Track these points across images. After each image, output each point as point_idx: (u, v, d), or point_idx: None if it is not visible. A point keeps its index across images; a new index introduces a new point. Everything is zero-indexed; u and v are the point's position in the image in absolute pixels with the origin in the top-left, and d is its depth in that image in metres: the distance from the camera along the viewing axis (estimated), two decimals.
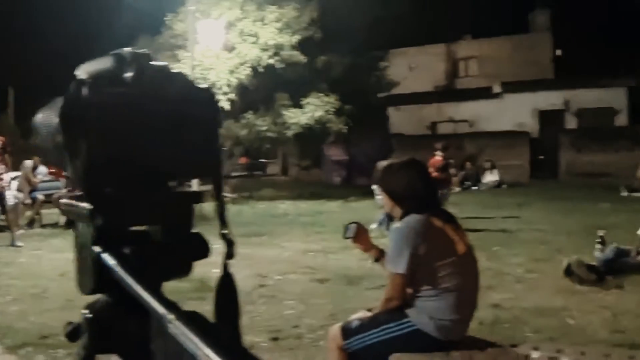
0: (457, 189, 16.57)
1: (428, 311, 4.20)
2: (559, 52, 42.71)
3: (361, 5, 26.02)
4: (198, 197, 1.71)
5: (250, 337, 6.51)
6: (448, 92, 41.83)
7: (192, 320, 1.21)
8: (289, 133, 24.18)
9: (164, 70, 1.60)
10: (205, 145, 1.65)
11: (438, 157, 15.66)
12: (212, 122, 1.68)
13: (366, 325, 4.32)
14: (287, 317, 7.50)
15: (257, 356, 1.29)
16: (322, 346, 5.33)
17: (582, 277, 9.02)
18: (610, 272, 9.32)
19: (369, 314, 4.46)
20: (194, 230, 1.68)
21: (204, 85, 1.69)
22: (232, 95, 22.39)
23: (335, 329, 4.45)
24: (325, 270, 10.28)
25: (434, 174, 15.00)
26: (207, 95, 1.68)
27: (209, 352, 1.11)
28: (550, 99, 34.68)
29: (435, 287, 4.17)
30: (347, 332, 4.35)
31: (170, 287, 1.57)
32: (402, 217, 4.32)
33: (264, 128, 23.69)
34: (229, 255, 1.65)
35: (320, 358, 5.77)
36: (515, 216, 16.37)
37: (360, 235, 4.69)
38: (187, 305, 1.33)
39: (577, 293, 8.55)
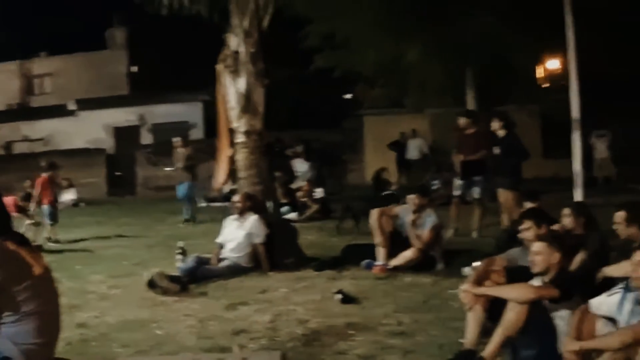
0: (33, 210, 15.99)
1: (11, 337, 4.02)
2: (134, 69, 43.13)
3: None
4: None
5: None
6: (23, 111, 40.36)
7: None
8: None
9: None
10: None
11: (44, 175, 15.40)
12: None
13: None
14: None
15: None
16: None
17: (165, 288, 9.07)
18: (193, 280, 9.51)
19: None
20: None
21: None
22: None
23: None
24: None
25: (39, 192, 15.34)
26: None
27: None
28: (126, 115, 34.88)
29: (15, 312, 4.00)
30: None
31: None
32: None
33: None
34: None
35: None
36: (94, 234, 16.11)
37: None
38: None
39: (163, 304, 8.61)
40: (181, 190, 17.94)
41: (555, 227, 7.55)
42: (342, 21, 20.10)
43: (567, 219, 7.63)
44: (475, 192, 13.07)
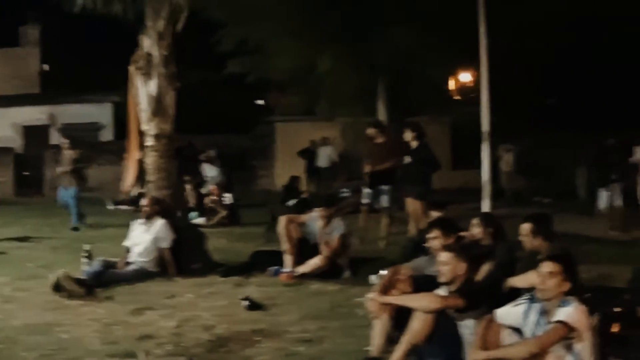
0: None
1: None
2: (46, 67, 42.26)
3: None
4: None
5: None
6: None
7: None
8: None
9: None
10: None
11: None
12: None
13: None
14: None
15: None
16: None
17: (71, 292, 8.92)
18: (99, 284, 9.36)
19: None
20: None
21: None
22: None
23: None
24: None
25: None
26: None
27: None
28: (35, 114, 34.17)
29: None
30: None
31: None
32: None
33: None
34: None
35: None
36: (0, 234, 15.67)
37: None
38: None
39: (68, 307, 8.46)
40: (62, 194, 17.27)
41: (465, 234, 7.72)
42: (255, 27, 20.13)
43: (476, 229, 7.79)
44: (383, 200, 13.19)
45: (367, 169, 13.51)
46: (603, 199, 14.79)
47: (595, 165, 15.98)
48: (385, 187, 13.11)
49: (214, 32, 21.90)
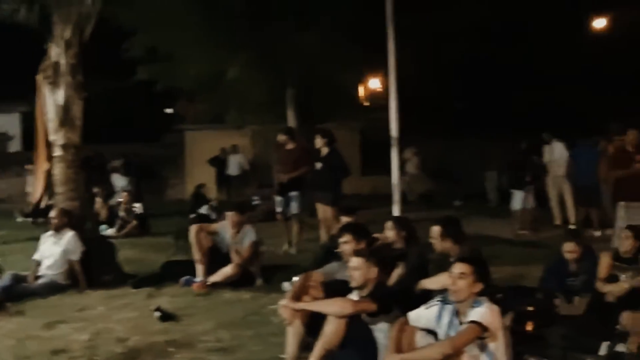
0: None
1: None
2: None
3: None
4: None
5: None
6: None
7: None
8: None
9: None
10: None
11: None
12: None
13: None
14: None
15: None
16: None
17: None
18: (9, 299, 9.19)
19: None
20: None
21: None
22: None
23: None
24: None
25: None
26: None
27: None
28: None
29: None
30: None
31: None
32: None
33: None
34: None
35: None
36: None
37: None
38: None
39: None
40: None
41: (378, 235, 7.83)
42: (164, 34, 19.97)
43: (389, 232, 7.91)
44: (293, 207, 13.21)
45: (280, 177, 13.50)
46: (517, 200, 15.04)
47: (509, 167, 16.26)
48: (294, 194, 13.13)
49: (123, 40, 21.59)
